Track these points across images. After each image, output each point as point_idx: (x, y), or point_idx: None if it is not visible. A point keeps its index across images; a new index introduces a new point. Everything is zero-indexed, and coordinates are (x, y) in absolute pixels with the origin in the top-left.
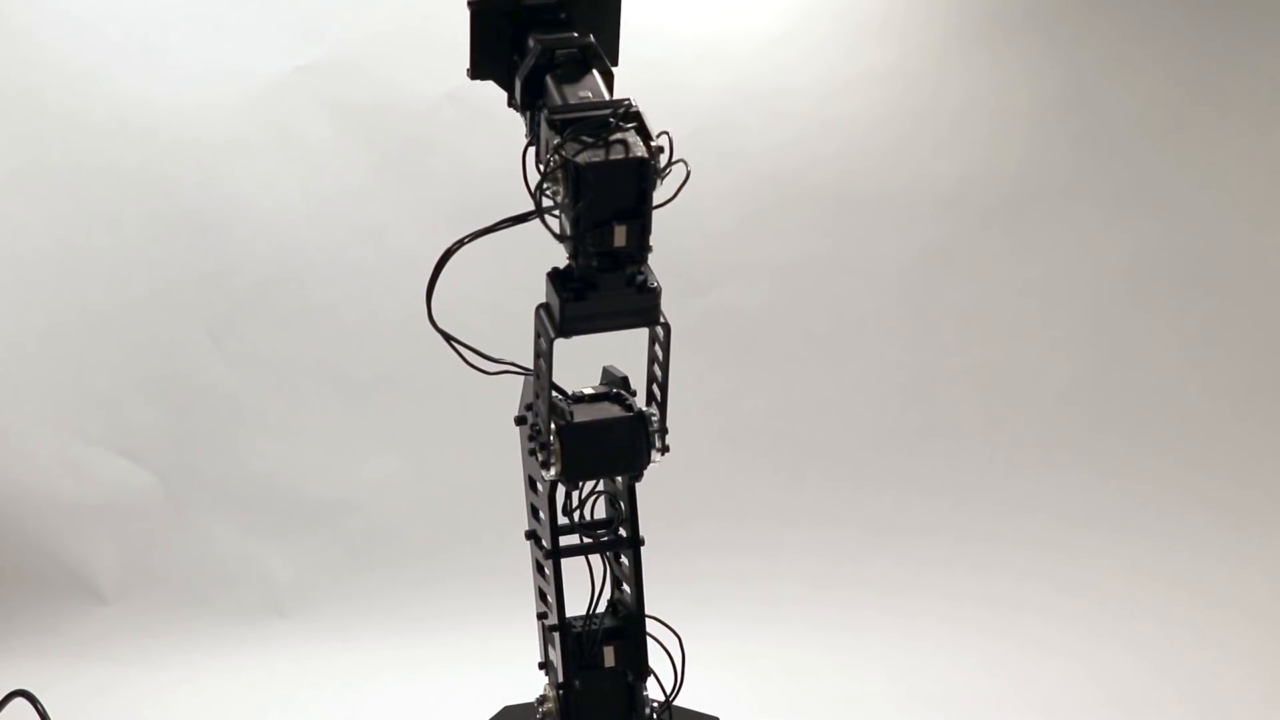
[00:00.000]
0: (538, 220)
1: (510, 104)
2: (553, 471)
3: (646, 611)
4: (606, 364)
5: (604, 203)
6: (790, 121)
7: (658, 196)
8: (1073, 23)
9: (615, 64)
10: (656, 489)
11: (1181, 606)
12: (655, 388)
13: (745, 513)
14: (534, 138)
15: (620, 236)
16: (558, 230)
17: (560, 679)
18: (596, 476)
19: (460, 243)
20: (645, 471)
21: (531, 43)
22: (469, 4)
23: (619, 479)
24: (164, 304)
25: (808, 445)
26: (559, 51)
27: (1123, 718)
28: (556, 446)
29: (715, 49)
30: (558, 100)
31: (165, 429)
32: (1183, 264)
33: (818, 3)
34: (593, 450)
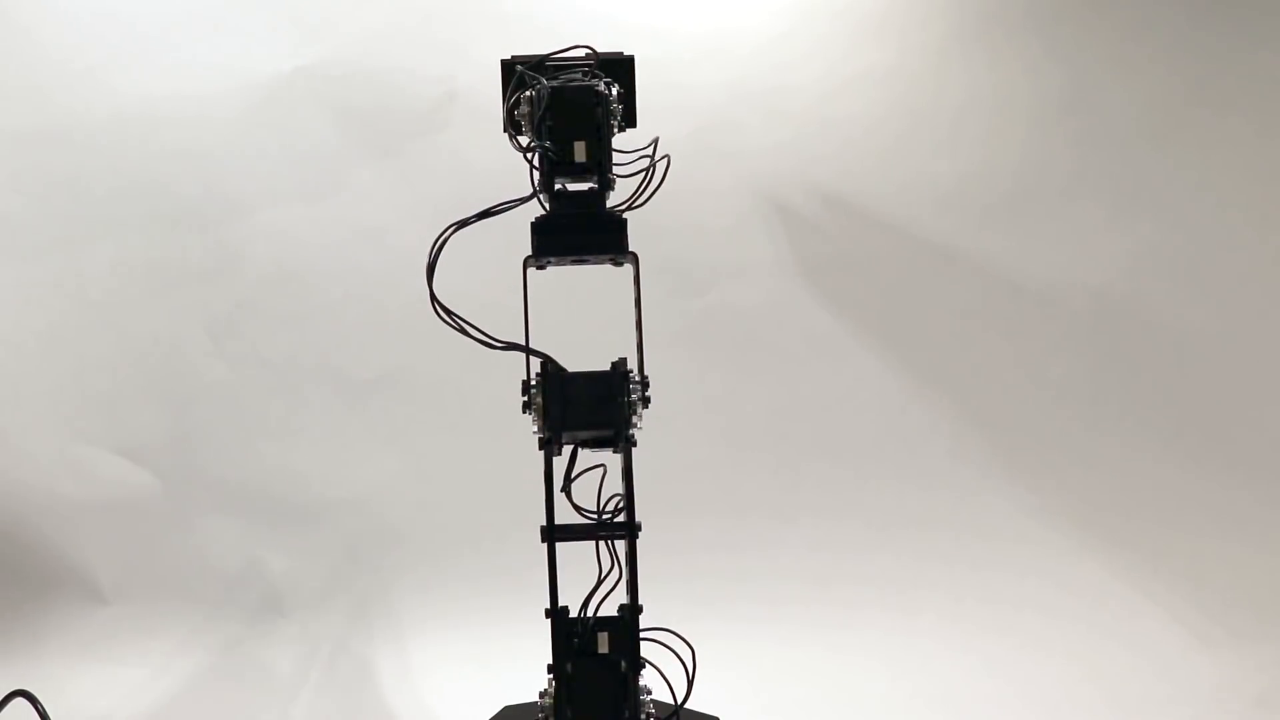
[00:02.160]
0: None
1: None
2: (536, 423)
3: (656, 621)
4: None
5: (564, 122)
6: (789, 120)
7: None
8: (1072, 23)
9: (633, 125)
10: (658, 489)
11: (1180, 606)
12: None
13: (746, 511)
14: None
15: (580, 152)
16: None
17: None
18: (579, 428)
19: (458, 225)
20: (639, 450)
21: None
22: (501, 61)
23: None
24: (164, 304)
25: (808, 444)
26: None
27: (1123, 717)
28: (539, 397)
29: (715, 48)
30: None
31: (165, 429)
32: (1181, 263)
33: (817, 2)
34: (574, 402)
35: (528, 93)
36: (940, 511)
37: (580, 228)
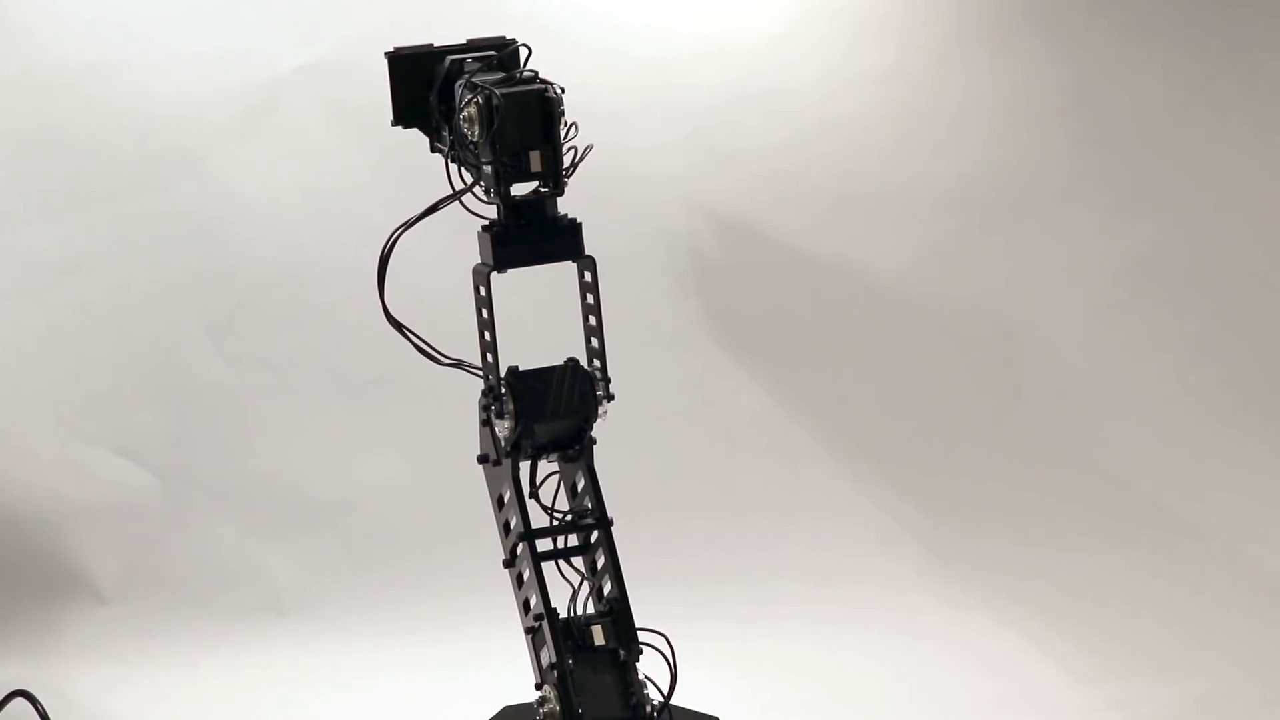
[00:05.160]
0: None
1: (434, 150)
2: (507, 426)
3: (650, 620)
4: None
5: (516, 131)
6: (789, 121)
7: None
8: (1071, 23)
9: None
10: (656, 489)
11: (1181, 606)
12: (592, 338)
13: (745, 512)
14: (453, 144)
15: (536, 162)
16: (483, 197)
17: (554, 660)
18: (549, 420)
19: (405, 226)
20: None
21: (446, 64)
22: (385, 54)
23: (578, 467)
24: (164, 304)
25: (808, 445)
26: (469, 60)
27: (1123, 717)
28: (509, 398)
29: (715, 49)
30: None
31: (165, 429)
32: (1181, 264)
33: (816, 2)
34: (541, 396)
35: (477, 99)
36: (940, 512)
37: (539, 236)
